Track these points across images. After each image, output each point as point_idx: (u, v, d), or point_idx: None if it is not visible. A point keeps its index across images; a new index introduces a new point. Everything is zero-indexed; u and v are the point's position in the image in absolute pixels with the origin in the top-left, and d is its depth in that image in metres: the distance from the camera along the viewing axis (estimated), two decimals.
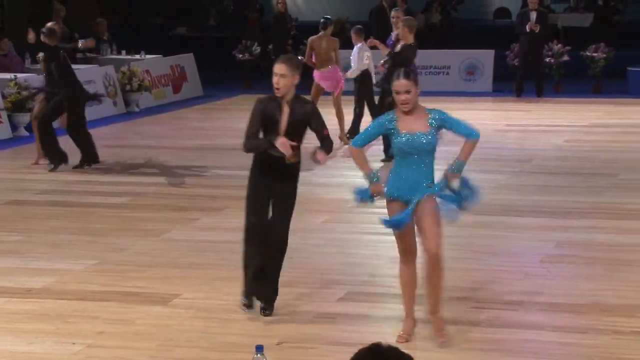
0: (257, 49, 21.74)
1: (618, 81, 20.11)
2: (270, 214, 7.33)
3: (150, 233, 9.80)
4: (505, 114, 17.56)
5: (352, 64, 14.85)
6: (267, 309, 7.36)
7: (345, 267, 8.60)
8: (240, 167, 13.21)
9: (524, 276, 8.22)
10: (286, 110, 7.08)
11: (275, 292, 7.42)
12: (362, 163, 6.77)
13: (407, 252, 6.83)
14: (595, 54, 20.06)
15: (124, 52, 20.66)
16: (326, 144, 7.19)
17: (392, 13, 14.28)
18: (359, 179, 11.68)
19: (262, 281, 7.35)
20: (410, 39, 13.18)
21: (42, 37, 12.92)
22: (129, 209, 10.90)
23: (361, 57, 14.67)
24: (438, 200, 6.71)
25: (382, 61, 13.81)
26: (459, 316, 7.29)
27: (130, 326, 7.18)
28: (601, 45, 20.17)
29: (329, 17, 15.74)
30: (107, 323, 7.22)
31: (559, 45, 20.32)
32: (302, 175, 12.57)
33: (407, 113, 6.61)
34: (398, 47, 13.32)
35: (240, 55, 21.49)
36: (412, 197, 6.60)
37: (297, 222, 10.10)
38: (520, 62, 19.86)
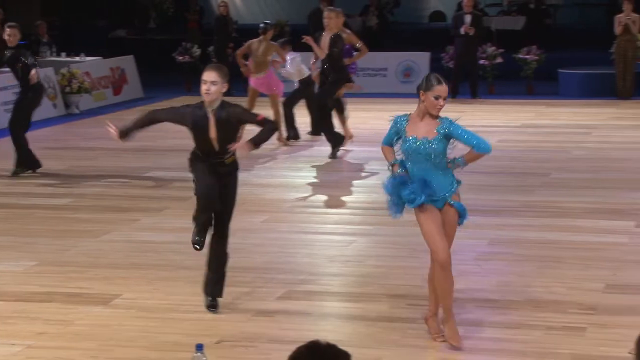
0: (197, 51, 21.65)
1: (549, 83, 20.37)
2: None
3: (91, 234, 9.71)
4: (441, 114, 17.68)
5: (288, 67, 14.97)
6: (214, 306, 7.39)
7: (285, 266, 8.60)
8: (181, 168, 13.17)
9: (458, 274, 8.25)
10: (212, 119, 7.07)
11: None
12: (388, 155, 6.73)
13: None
14: (527, 56, 20.29)
15: (63, 54, 20.46)
16: (268, 126, 7.18)
17: (325, 14, 14.26)
18: (298, 179, 11.75)
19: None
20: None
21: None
22: (70, 211, 10.80)
23: (296, 62, 14.78)
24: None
25: (313, 60, 13.85)
26: (395, 313, 7.33)
27: (71, 327, 7.12)
28: (533, 47, 20.40)
29: (268, 21, 15.72)
30: (47, 324, 7.15)
31: (493, 48, 20.51)
32: (242, 176, 12.58)
33: (423, 119, 6.55)
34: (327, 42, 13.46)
35: (180, 58, 21.39)
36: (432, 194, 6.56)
37: (237, 222, 10.08)
38: (455, 64, 20.03)
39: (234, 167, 7.30)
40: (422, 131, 6.55)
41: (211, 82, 7.02)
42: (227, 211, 7.37)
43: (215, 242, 7.43)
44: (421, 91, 6.59)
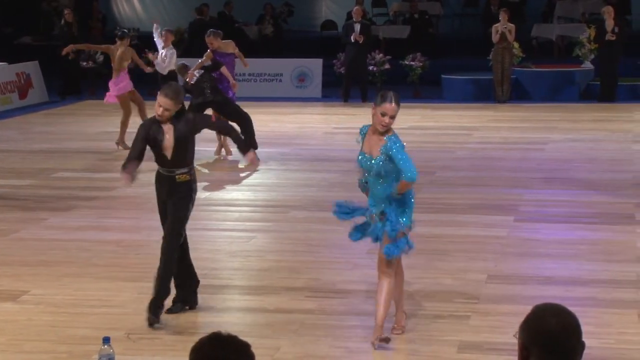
0: (100, 57, 21.31)
1: (434, 88, 20.63)
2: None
3: (0, 233, 9.47)
4: (334, 118, 17.78)
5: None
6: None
7: (189, 261, 8.50)
8: (85, 169, 13.00)
9: (352, 266, 8.33)
10: (169, 129, 6.85)
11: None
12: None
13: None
14: (412, 63, 20.50)
15: None
16: (223, 126, 7.19)
17: (206, 39, 14.11)
18: (201, 176, 11.64)
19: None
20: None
21: None
22: None
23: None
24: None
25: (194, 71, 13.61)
26: (294, 305, 7.33)
27: None
28: (418, 55, 20.63)
29: (126, 30, 15.77)
30: None
31: (381, 55, 20.67)
32: (146, 176, 12.44)
33: (375, 133, 6.33)
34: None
35: (85, 63, 21.03)
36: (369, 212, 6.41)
37: (142, 221, 9.99)
38: (346, 70, 20.12)
39: (188, 188, 7.07)
40: (369, 148, 6.37)
41: (165, 109, 6.79)
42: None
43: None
44: (373, 104, 6.40)
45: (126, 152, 13.93)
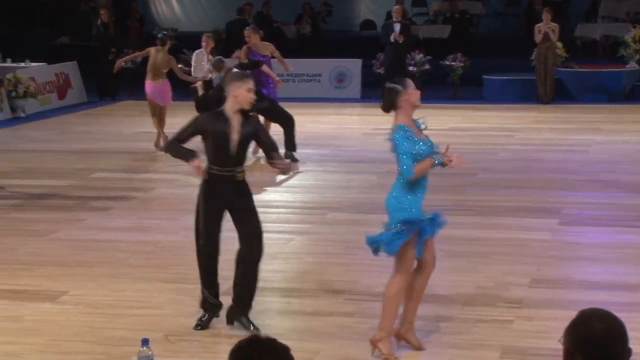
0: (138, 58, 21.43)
1: (474, 88, 20.53)
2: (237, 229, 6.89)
3: (38, 233, 9.56)
4: (373, 119, 17.72)
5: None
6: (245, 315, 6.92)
7: (226, 264, 8.49)
8: (123, 169, 13.07)
9: (391, 270, 8.28)
10: (236, 124, 6.66)
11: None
12: (423, 165, 6.38)
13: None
14: (453, 63, 20.42)
15: (9, 60, 20.13)
16: (275, 148, 6.90)
17: (245, 32, 14.10)
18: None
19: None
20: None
21: None
22: (16, 211, 10.61)
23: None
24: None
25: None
26: (333, 307, 7.32)
27: (19, 322, 6.99)
28: (458, 55, 20.54)
29: (165, 32, 15.67)
30: None
31: (421, 55, 20.61)
32: (183, 177, 12.44)
33: (410, 121, 6.37)
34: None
35: (123, 64, 21.13)
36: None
37: (181, 222, 10.02)
38: (385, 70, 20.05)
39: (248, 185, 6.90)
40: (418, 134, 6.35)
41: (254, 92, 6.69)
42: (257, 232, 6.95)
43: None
44: (401, 95, 6.37)
45: (165, 155, 14.19)
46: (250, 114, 6.83)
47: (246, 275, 6.86)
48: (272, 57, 14.18)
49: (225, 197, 6.74)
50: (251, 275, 6.87)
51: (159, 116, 14.47)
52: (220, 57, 13.85)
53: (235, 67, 13.31)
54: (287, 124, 13.27)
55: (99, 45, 21.17)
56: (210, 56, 15.03)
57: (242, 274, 6.87)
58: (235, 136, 6.66)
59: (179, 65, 15.03)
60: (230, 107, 6.67)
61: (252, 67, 13.47)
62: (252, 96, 6.63)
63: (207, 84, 14.71)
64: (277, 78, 13.76)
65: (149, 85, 14.53)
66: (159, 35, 14.89)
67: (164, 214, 10.50)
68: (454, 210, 10.48)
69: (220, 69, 13.31)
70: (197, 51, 15.25)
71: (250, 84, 6.67)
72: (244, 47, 13.86)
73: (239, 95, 6.62)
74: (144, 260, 8.63)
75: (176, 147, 6.88)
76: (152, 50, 14.62)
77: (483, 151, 14.20)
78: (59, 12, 27.72)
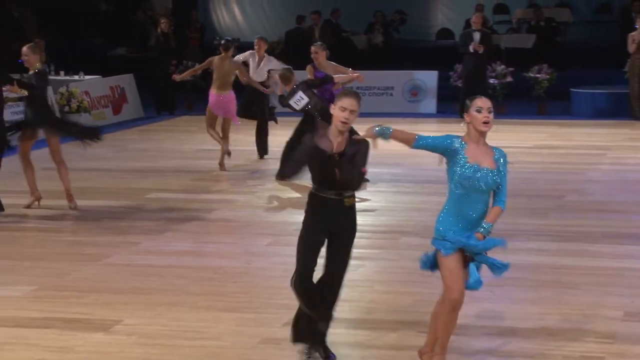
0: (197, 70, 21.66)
1: (561, 102, 20.35)
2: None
3: (91, 257, 9.69)
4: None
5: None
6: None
7: (290, 292, 8.53)
8: (181, 190, 13.20)
9: (470, 299, 8.22)
10: (340, 145, 6.67)
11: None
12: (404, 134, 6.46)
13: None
14: (538, 75, 20.28)
15: (62, 72, 20.48)
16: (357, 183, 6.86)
17: (312, 48, 14.10)
18: (304, 201, 11.62)
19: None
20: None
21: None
22: (69, 233, 10.78)
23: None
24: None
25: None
26: (406, 341, 7.29)
27: (71, 353, 7.08)
28: (544, 66, 20.40)
29: (229, 38, 15.71)
30: (47, 351, 7.11)
31: (502, 66, 20.51)
32: (244, 197, 12.53)
33: (476, 142, 6.33)
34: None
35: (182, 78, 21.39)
36: (467, 240, 6.32)
37: (241, 246, 10.10)
38: (463, 83, 19.99)
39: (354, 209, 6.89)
40: (484, 160, 6.27)
41: (351, 111, 6.60)
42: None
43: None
44: (465, 114, 6.39)
45: (228, 173, 14.38)
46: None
47: (326, 303, 6.92)
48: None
49: (330, 221, 6.74)
50: (329, 307, 6.93)
51: (223, 131, 14.55)
52: (289, 67, 13.83)
53: (302, 83, 13.28)
54: None
55: (158, 56, 21.45)
56: (262, 60, 15.11)
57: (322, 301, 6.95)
58: (339, 158, 6.70)
59: None
60: (333, 128, 6.72)
61: (323, 84, 13.39)
62: (344, 115, 6.61)
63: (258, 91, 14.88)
64: (356, 74, 13.58)
65: (213, 95, 14.57)
66: (222, 41, 14.95)
67: (225, 237, 10.58)
68: (537, 235, 10.39)
69: (288, 81, 13.29)
70: (250, 51, 15.37)
71: (344, 101, 6.63)
72: (309, 67, 13.84)
73: (334, 114, 6.67)
74: (202, 288, 8.69)
75: (290, 164, 6.92)
76: (215, 59, 14.67)
77: (571, 171, 14.07)
78: (114, 21, 28.18)
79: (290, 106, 13.24)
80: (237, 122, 14.62)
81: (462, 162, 6.34)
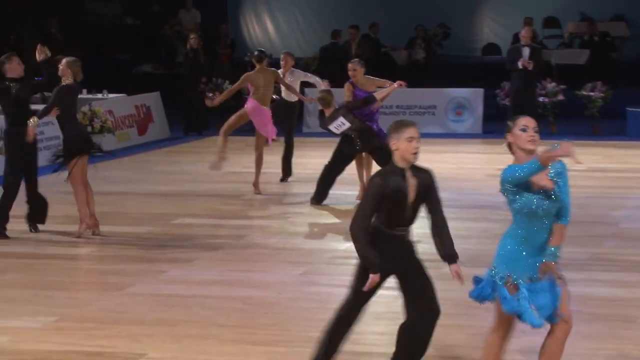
0: (228, 87, 21.75)
1: (616, 122, 20.25)
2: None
3: (114, 286, 9.73)
4: (497, 157, 17.57)
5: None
6: None
7: (325, 324, 8.53)
8: (210, 215, 13.24)
9: (520, 333, 8.17)
10: (412, 180, 6.73)
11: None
12: None
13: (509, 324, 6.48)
14: (592, 93, 20.21)
15: (84, 90, 20.60)
16: (446, 228, 6.96)
17: (349, 65, 14.09)
18: (340, 227, 11.58)
19: None
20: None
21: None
22: (91, 261, 10.84)
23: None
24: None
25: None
26: None
27: None
28: (598, 83, 20.31)
29: (263, 49, 15.70)
30: None
31: (553, 84, 20.45)
32: (276, 223, 12.56)
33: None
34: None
35: (210, 94, 21.50)
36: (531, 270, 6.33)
37: (273, 275, 10.10)
38: (511, 101, 19.92)
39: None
40: (541, 182, 6.20)
41: (417, 139, 6.68)
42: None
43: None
44: (507, 135, 6.38)
45: (259, 197, 14.41)
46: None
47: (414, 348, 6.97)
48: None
49: (394, 260, 6.83)
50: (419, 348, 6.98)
51: (257, 149, 14.53)
52: (328, 89, 13.74)
53: (343, 107, 13.20)
54: None
55: (187, 73, 21.56)
56: (288, 76, 15.14)
57: (408, 346, 7.01)
58: (411, 194, 6.73)
59: None
60: (398, 161, 6.73)
61: (364, 105, 13.37)
62: (414, 145, 6.65)
63: (288, 108, 14.92)
64: (398, 84, 13.56)
65: (252, 101, 14.43)
66: (256, 53, 14.86)
67: (256, 266, 10.59)
68: (591, 265, 10.32)
69: (328, 105, 13.23)
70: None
71: (409, 131, 6.67)
72: (347, 85, 13.81)
73: (400, 147, 6.68)
74: (231, 319, 8.70)
75: (364, 244, 6.80)
76: (250, 75, 14.55)
77: (626, 196, 13.99)
78: (140, 37, 28.40)
79: (329, 130, 13.27)
80: (270, 141, 14.64)
81: (527, 192, 6.26)
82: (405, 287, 6.92)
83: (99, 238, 11.82)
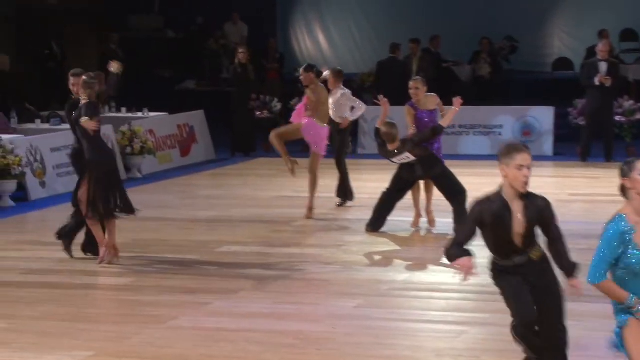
0: (277, 106, 21.89)
1: None
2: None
3: (155, 319, 9.81)
4: (569, 182, 17.55)
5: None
6: None
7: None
8: (258, 242, 13.29)
9: None
10: (519, 209, 6.84)
11: None
12: (617, 291, 6.36)
13: None
14: None
15: (124, 109, 20.81)
16: (566, 254, 7.09)
17: (411, 84, 14.07)
18: (397, 256, 11.61)
19: None
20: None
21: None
22: (130, 292, 10.93)
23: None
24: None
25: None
26: None
27: None
28: None
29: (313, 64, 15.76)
30: None
31: (631, 102, 20.32)
32: (328, 251, 12.59)
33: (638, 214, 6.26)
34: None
35: (258, 113, 21.62)
36: None
37: (324, 307, 10.13)
38: (586, 120, 19.81)
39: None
40: None
41: (528, 167, 6.77)
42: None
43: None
44: (625, 180, 6.33)
45: (311, 223, 14.43)
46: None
47: None
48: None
49: (524, 277, 7.01)
50: None
51: (311, 170, 14.57)
52: (392, 123, 13.43)
53: (410, 141, 13.12)
54: (458, 199, 13.17)
55: (236, 90, 21.67)
56: (334, 95, 15.16)
57: None
58: (517, 224, 6.82)
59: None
60: (505, 189, 6.79)
61: (432, 138, 13.30)
62: (524, 174, 6.74)
63: (340, 132, 14.99)
64: (456, 106, 13.46)
65: (307, 118, 14.55)
66: (315, 68, 14.91)
67: (307, 297, 10.61)
68: None
69: (393, 141, 13.13)
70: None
71: (520, 158, 6.74)
72: (407, 108, 13.77)
73: (508, 175, 6.74)
74: (280, 355, 8.74)
75: (454, 252, 7.04)
76: (317, 89, 14.64)
77: None
78: (182, 51, 28.60)
79: (392, 161, 13.32)
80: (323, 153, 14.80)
81: (633, 250, 6.29)
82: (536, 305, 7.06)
83: (139, 267, 11.92)
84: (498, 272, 7.01)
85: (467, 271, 6.89)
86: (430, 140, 13.29)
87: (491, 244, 6.89)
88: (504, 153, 6.77)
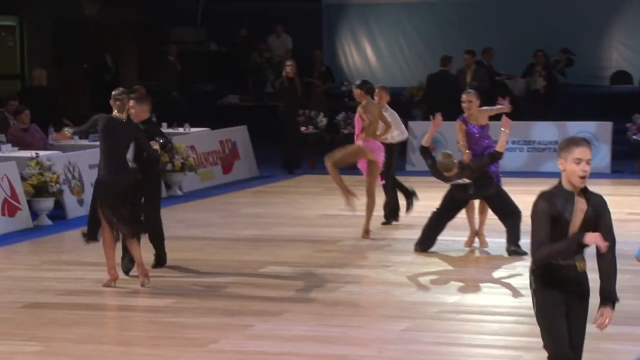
0: (322, 121, 21.90)
1: None
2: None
3: (196, 342, 9.83)
4: (628, 200, 17.42)
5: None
6: None
7: None
8: (302, 262, 13.29)
9: None
10: (581, 204, 6.81)
11: None
12: None
13: None
14: None
15: (164, 124, 20.89)
16: (612, 277, 7.06)
17: (463, 97, 14.00)
18: (446, 277, 11.61)
19: None
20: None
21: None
22: (170, 313, 10.95)
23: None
24: None
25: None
26: None
27: None
28: None
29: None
30: None
31: None
32: (375, 272, 12.57)
33: None
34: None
35: (303, 128, 21.65)
36: None
37: (371, 330, 10.11)
38: None
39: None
40: None
41: (587, 161, 6.72)
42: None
43: None
44: None
45: (357, 243, 14.41)
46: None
47: None
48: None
49: (564, 290, 6.93)
50: None
51: (367, 189, 14.55)
52: (448, 153, 13.19)
53: (468, 168, 13.04)
54: (514, 219, 13.13)
55: (282, 105, 21.70)
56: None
57: None
58: (576, 220, 6.79)
59: None
60: (565, 183, 6.81)
61: (490, 164, 13.21)
62: (582, 168, 6.70)
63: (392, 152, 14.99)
64: (506, 119, 13.31)
65: (370, 139, 14.57)
66: (367, 85, 14.91)
67: (353, 320, 10.59)
68: None
69: (449, 170, 13.07)
70: None
71: (578, 151, 6.72)
72: (458, 124, 13.71)
73: (566, 169, 6.74)
74: None
75: (550, 250, 6.92)
76: (369, 107, 14.63)
77: None
78: (225, 65, 28.71)
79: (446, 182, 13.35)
80: (381, 181, 14.80)
81: None
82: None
83: (179, 288, 11.95)
84: (539, 278, 6.91)
85: (599, 241, 6.76)
86: (483, 168, 13.23)
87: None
88: (563, 146, 6.76)
